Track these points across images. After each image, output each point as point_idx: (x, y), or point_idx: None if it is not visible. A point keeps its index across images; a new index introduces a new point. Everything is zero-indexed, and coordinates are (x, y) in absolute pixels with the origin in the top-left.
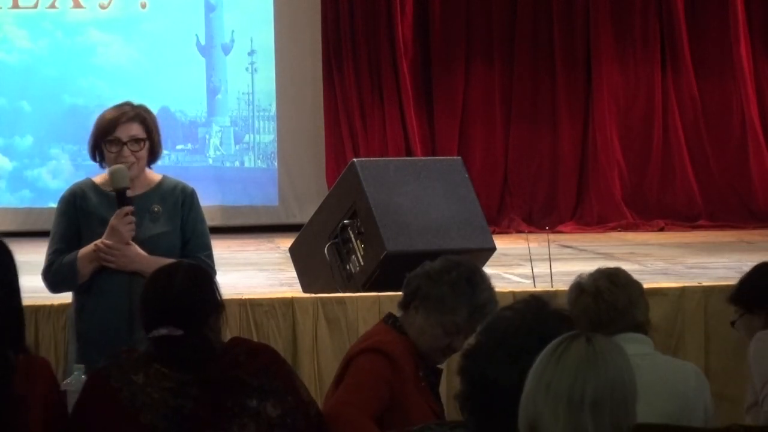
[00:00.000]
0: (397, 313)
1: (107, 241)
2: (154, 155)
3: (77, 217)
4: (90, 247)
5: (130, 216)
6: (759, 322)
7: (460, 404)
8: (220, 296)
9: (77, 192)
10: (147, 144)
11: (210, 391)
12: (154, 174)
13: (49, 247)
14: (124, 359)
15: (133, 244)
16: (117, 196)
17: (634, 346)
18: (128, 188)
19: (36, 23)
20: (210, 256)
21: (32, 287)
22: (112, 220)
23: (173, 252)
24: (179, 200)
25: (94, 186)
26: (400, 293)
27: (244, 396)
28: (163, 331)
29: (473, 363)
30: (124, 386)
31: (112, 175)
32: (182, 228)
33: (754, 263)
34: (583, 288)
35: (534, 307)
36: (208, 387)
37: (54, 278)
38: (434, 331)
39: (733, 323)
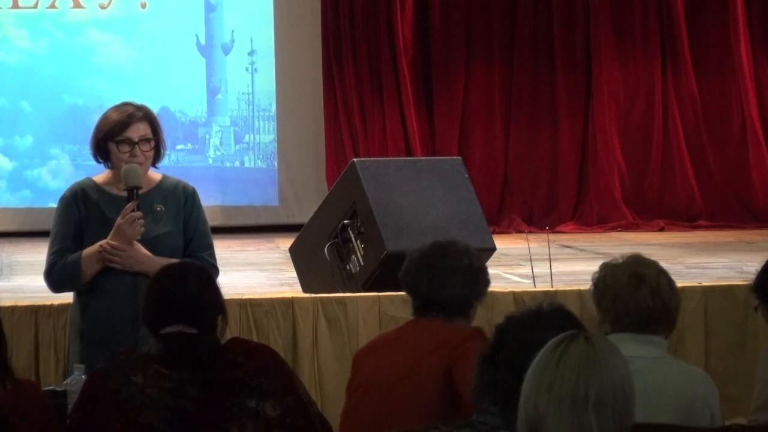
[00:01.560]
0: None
1: (112, 242)
2: (158, 155)
3: (78, 216)
4: (94, 247)
5: (135, 213)
6: None
7: (486, 396)
8: (223, 298)
9: (78, 191)
10: (153, 144)
11: (209, 391)
12: (155, 173)
13: (50, 247)
14: (122, 360)
15: (138, 244)
16: (128, 194)
17: (650, 348)
18: (140, 187)
19: (36, 23)
20: (212, 255)
21: (32, 287)
22: (118, 221)
23: (176, 252)
24: (181, 200)
25: (96, 185)
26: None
27: (242, 396)
28: (177, 328)
29: (511, 343)
30: (123, 387)
31: (126, 173)
32: (184, 227)
33: (754, 263)
34: (644, 279)
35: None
36: (207, 387)
37: (57, 278)
38: None
39: (756, 308)
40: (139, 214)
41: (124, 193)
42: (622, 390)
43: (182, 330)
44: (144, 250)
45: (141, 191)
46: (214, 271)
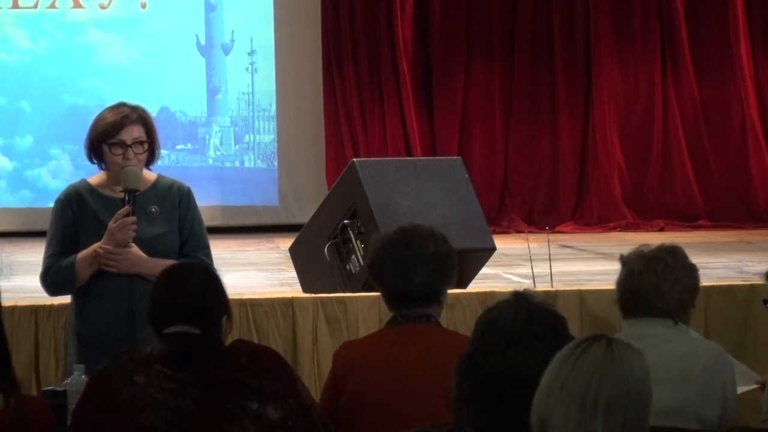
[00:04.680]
0: (405, 311)
1: (106, 246)
2: (152, 157)
3: (73, 219)
4: (89, 250)
5: (128, 218)
6: None
7: (461, 406)
8: (228, 299)
9: (72, 194)
10: (147, 146)
11: (211, 392)
12: (149, 173)
13: (46, 251)
14: (125, 360)
15: (134, 246)
16: (126, 197)
17: (656, 327)
18: (138, 190)
19: (36, 23)
20: (209, 255)
21: (33, 287)
22: (110, 224)
23: (172, 253)
24: (176, 200)
25: (90, 188)
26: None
27: (244, 398)
28: (180, 328)
29: (483, 363)
30: (125, 387)
31: (125, 175)
32: (180, 228)
33: (754, 263)
34: (624, 262)
35: (523, 300)
36: (209, 388)
37: (53, 282)
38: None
39: (766, 301)
40: (132, 219)
41: (118, 195)
42: (636, 398)
43: (185, 330)
44: (139, 252)
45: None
46: None
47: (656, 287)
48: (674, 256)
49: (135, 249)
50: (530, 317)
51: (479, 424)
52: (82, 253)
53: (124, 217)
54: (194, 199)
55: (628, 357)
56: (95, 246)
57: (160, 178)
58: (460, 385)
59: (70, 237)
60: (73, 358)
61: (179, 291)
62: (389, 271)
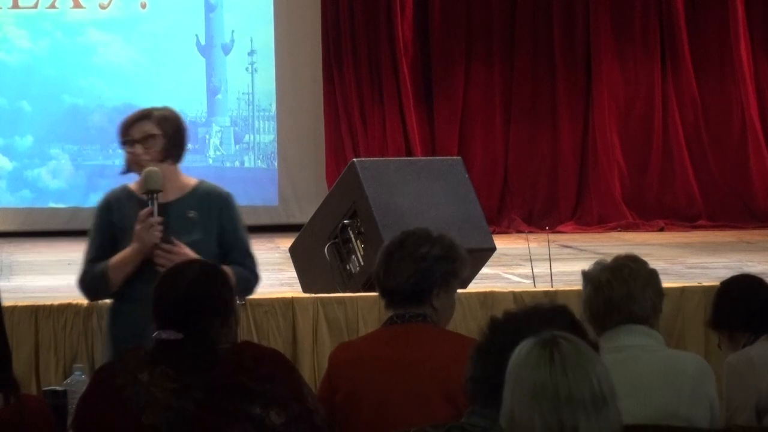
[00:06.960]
0: (400, 311)
1: (166, 245)
2: (175, 154)
3: (111, 225)
4: (121, 255)
5: (152, 218)
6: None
7: (479, 391)
8: (231, 298)
9: (112, 200)
10: (162, 140)
11: (214, 395)
12: (190, 178)
13: (86, 255)
14: (130, 357)
15: (185, 247)
16: (149, 198)
17: (636, 337)
18: (161, 191)
19: (36, 23)
20: (253, 262)
21: (33, 287)
22: (135, 226)
23: (210, 259)
24: (214, 207)
25: (129, 192)
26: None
27: (247, 402)
28: (163, 335)
29: (499, 348)
30: (128, 384)
31: (146, 176)
32: (221, 235)
33: (754, 263)
34: (588, 278)
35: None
36: (212, 391)
37: (88, 287)
38: (453, 303)
39: (719, 345)
40: (157, 219)
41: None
42: (601, 391)
43: (168, 337)
44: (191, 253)
45: (173, 198)
46: (255, 279)
47: (629, 293)
48: (636, 261)
49: (187, 249)
50: (540, 305)
51: (496, 410)
52: (114, 259)
53: (147, 218)
54: (234, 205)
55: (589, 353)
56: (127, 250)
57: (201, 183)
58: (474, 369)
59: (108, 243)
60: (107, 359)
61: (166, 296)
62: (381, 269)
